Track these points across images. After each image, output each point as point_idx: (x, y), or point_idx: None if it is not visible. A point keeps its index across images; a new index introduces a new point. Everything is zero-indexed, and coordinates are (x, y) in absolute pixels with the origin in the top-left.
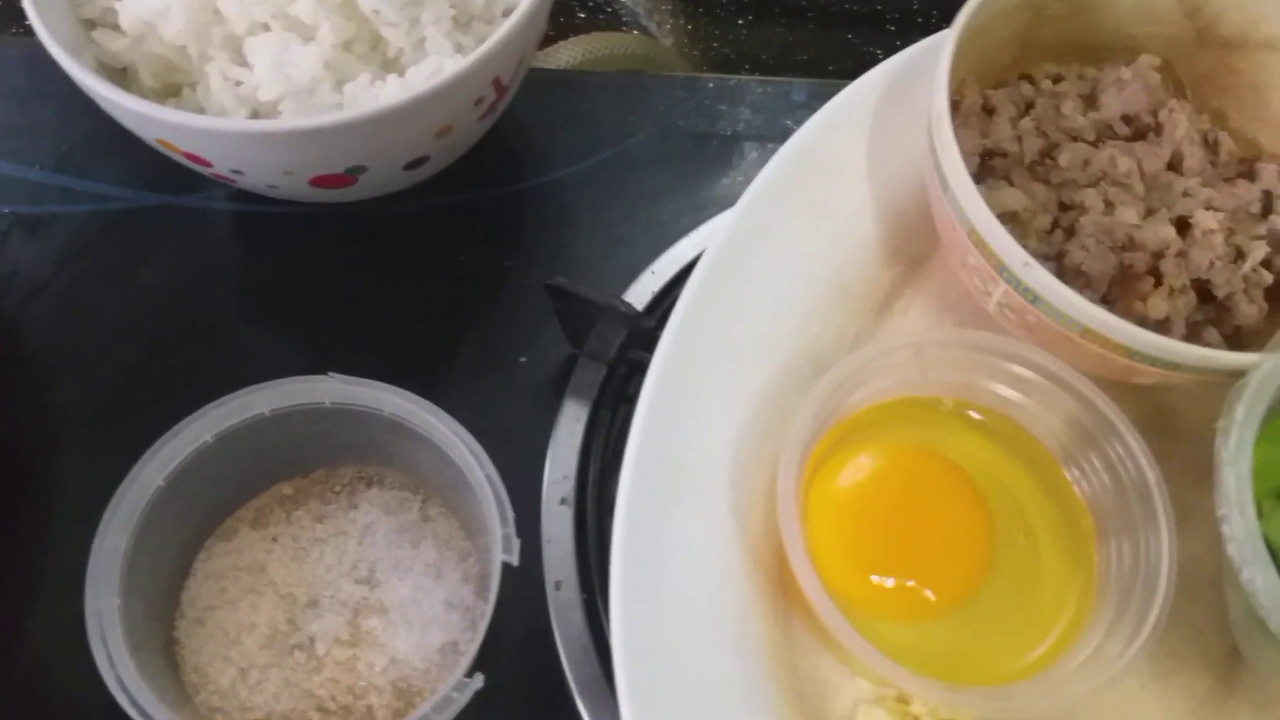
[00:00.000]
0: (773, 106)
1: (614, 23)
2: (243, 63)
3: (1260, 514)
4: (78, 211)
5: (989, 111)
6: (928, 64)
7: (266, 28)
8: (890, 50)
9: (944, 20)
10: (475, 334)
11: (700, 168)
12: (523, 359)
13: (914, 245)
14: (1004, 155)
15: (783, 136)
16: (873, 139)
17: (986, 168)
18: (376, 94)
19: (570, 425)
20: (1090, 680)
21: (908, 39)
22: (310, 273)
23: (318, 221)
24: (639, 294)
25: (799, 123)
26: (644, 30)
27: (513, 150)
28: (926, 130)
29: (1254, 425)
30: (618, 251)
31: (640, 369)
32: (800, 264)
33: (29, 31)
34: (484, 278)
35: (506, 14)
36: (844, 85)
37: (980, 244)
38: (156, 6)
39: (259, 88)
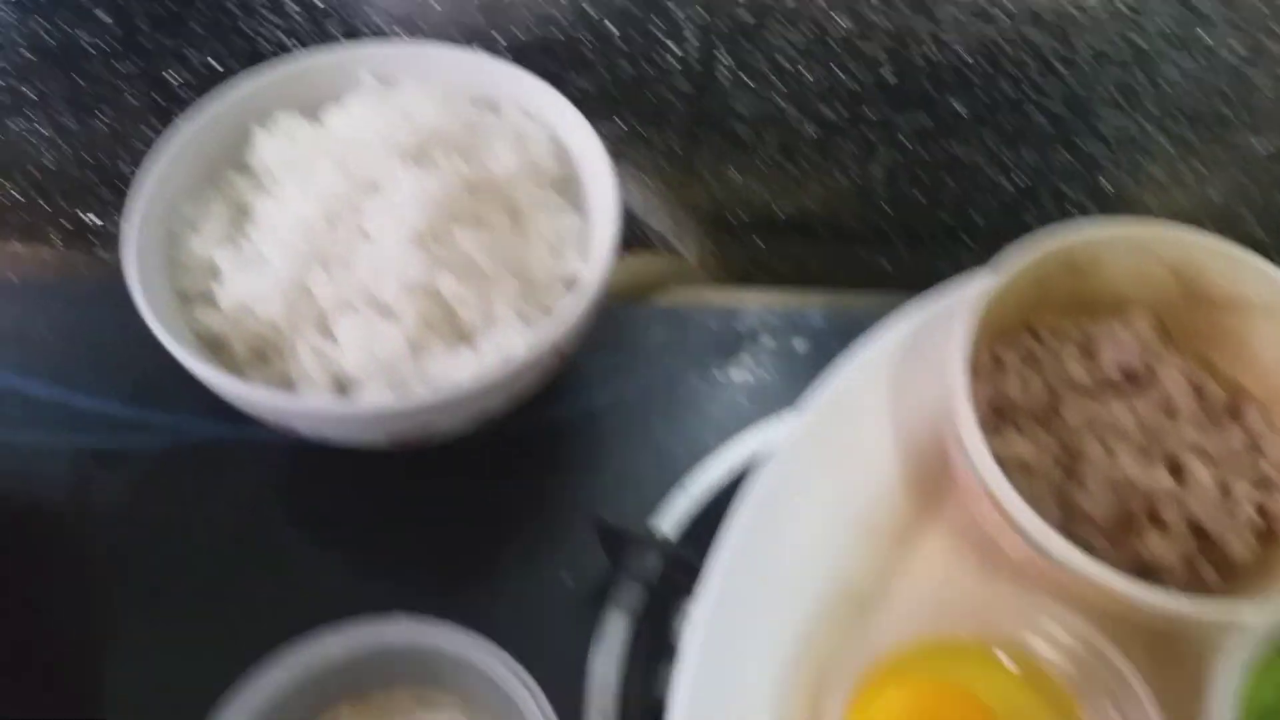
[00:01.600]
0: (789, 329)
1: (644, 244)
2: (329, 335)
3: None
4: (152, 444)
5: (997, 362)
6: (942, 319)
7: (352, 305)
8: (894, 261)
9: (940, 235)
10: (517, 556)
11: (726, 391)
12: (563, 573)
13: (933, 483)
14: (1013, 405)
15: (802, 360)
16: (893, 389)
17: (998, 414)
18: (450, 369)
19: (612, 641)
20: None
21: (912, 249)
22: (363, 504)
23: (370, 457)
24: (674, 514)
25: (810, 344)
26: (670, 249)
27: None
28: (944, 396)
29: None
30: (651, 471)
31: (679, 589)
32: (830, 507)
33: (101, 260)
34: (524, 502)
35: (566, 282)
36: (854, 297)
37: (996, 504)
38: (256, 290)
39: (343, 359)
